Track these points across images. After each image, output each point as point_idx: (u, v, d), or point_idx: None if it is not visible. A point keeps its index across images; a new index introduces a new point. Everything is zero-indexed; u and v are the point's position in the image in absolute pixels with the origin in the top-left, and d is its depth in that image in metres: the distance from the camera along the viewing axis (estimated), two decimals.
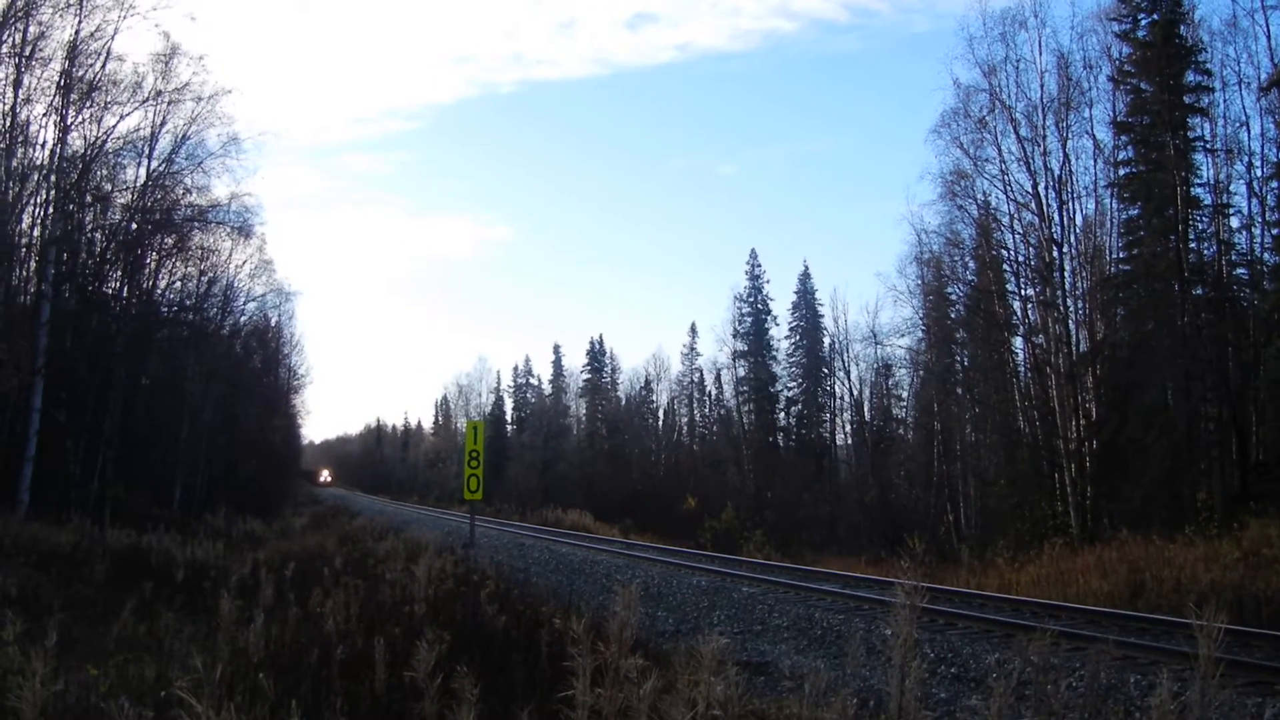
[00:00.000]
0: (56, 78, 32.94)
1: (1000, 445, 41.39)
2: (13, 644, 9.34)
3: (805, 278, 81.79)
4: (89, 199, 37.37)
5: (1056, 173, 35.30)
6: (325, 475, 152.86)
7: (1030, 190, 35.68)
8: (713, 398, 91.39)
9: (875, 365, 66.23)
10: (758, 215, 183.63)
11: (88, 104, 34.73)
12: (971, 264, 42.75)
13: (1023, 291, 38.67)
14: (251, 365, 65.03)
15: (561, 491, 79.54)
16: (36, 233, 34.28)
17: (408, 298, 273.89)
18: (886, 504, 52.43)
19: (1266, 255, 35.41)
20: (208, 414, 47.08)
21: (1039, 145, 35.50)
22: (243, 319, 59.01)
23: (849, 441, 74.63)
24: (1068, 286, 35.72)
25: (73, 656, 10.92)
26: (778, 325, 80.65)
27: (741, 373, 79.77)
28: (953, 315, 47.17)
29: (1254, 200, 34.82)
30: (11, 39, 30.99)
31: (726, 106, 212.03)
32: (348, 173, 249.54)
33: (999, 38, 36.29)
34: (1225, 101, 35.25)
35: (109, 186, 38.57)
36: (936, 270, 45.32)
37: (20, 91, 31.83)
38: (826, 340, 76.21)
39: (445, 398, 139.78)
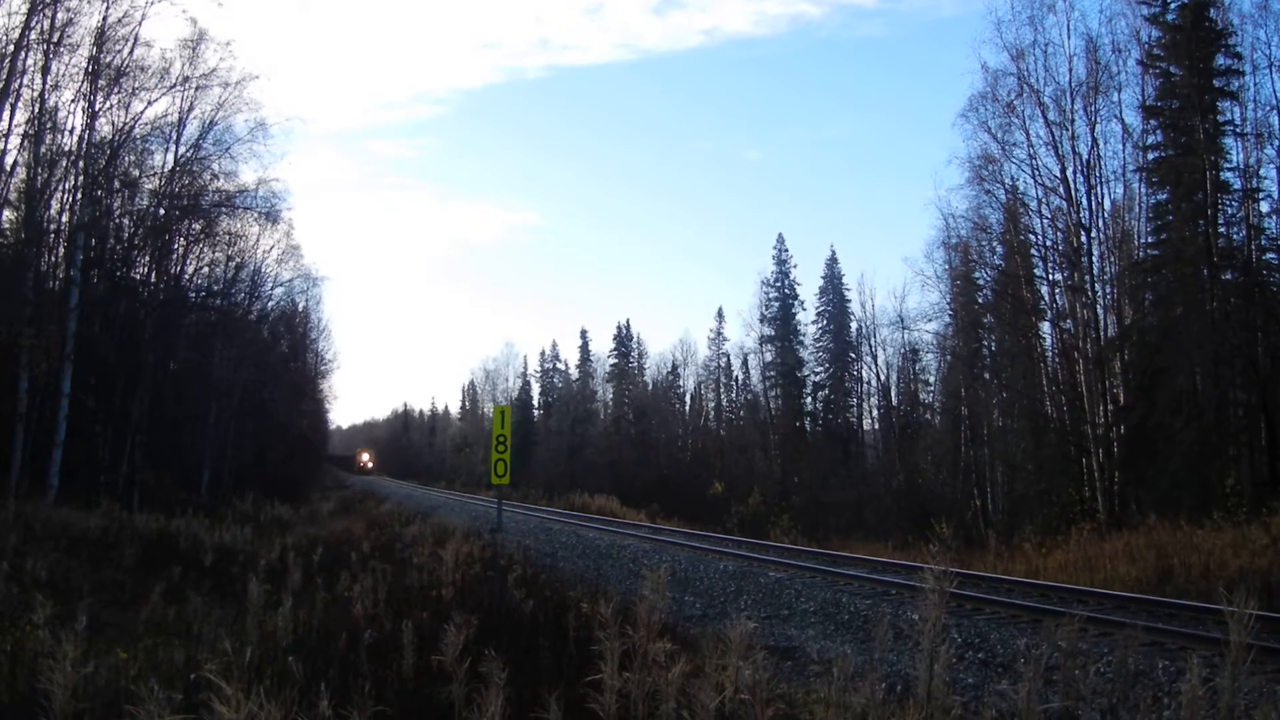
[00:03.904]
0: (84, 64, 33.14)
1: (1027, 430, 41.23)
2: (43, 627, 9.42)
3: (832, 262, 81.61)
4: (117, 185, 37.52)
5: (1085, 157, 35.12)
6: (365, 458, 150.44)
7: (1058, 175, 35.54)
8: (739, 382, 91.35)
9: (902, 350, 66.07)
10: (784, 200, 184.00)
11: (115, 90, 34.88)
12: (999, 249, 42.55)
13: (1050, 276, 38.56)
14: (279, 350, 65.23)
15: (588, 476, 79.40)
16: (65, 219, 34.48)
17: (435, 282, 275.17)
18: (913, 489, 52.31)
19: None
20: (235, 399, 47.28)
21: (1067, 130, 35.33)
22: (270, 304, 59.28)
23: (876, 426, 74.52)
24: (1096, 271, 35.55)
25: (102, 640, 11.00)
26: (805, 310, 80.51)
27: (768, 357, 79.60)
28: (980, 300, 47.03)
29: None
30: (40, 25, 31.12)
31: (753, 91, 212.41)
32: (375, 158, 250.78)
33: (1027, 21, 36.14)
34: (1255, 85, 34.93)
35: (137, 172, 38.76)
36: (964, 255, 45.17)
37: (49, 78, 32.03)
38: (854, 325, 76.08)
39: (472, 383, 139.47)
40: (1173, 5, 36.03)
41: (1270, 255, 36.46)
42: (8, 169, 31.37)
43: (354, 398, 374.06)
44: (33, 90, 31.61)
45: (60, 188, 34.06)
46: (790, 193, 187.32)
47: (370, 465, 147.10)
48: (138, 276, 41.87)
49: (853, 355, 77.75)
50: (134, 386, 36.33)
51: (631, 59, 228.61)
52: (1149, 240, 38.34)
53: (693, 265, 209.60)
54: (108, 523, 24.52)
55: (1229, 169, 35.49)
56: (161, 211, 39.90)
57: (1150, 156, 37.29)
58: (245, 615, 11.74)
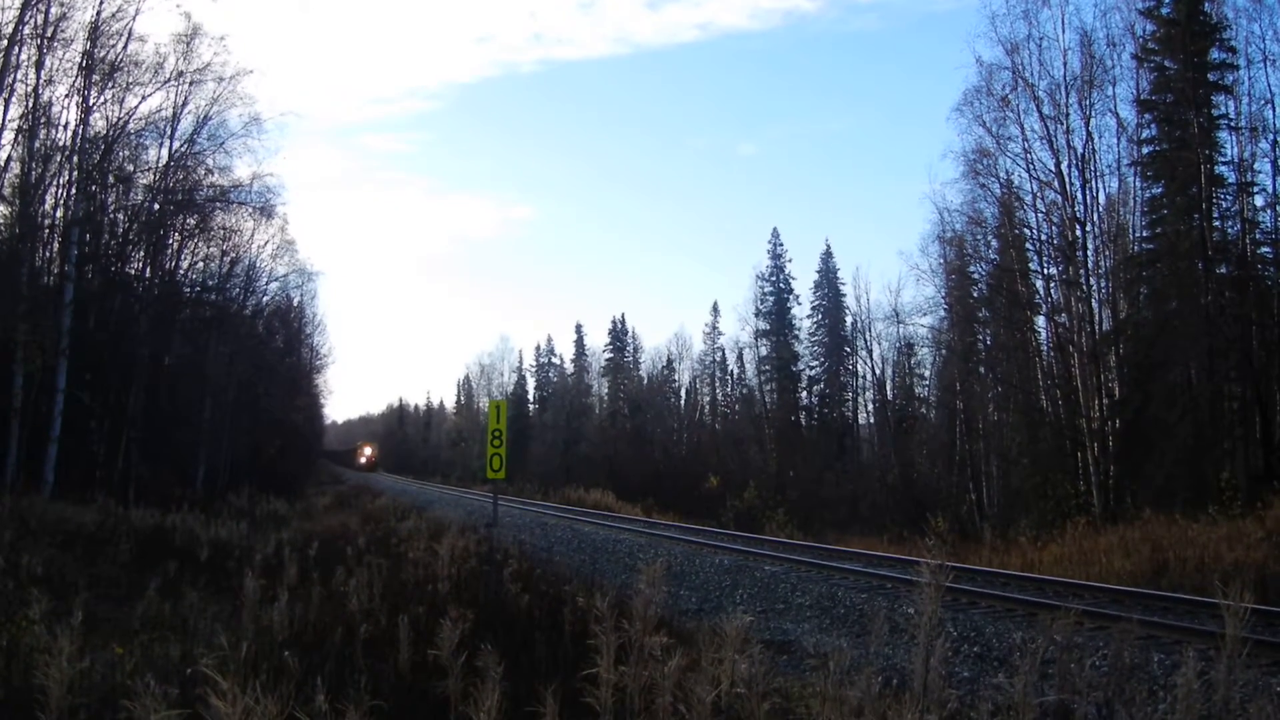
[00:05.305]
0: (78, 59, 33.08)
1: (1023, 424, 41.22)
2: (39, 622, 9.42)
3: (827, 256, 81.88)
4: (111, 180, 37.50)
5: (1079, 151, 35.09)
6: (368, 453, 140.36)
7: (1053, 169, 35.53)
8: (735, 377, 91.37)
9: (897, 344, 66.22)
10: (779, 194, 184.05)
11: (109, 85, 34.88)
12: (994, 243, 42.61)
13: (1045, 270, 38.56)
14: (274, 345, 65.13)
15: (584, 471, 79.43)
16: (59, 214, 34.45)
17: (430, 277, 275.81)
18: (909, 483, 52.37)
19: None
20: (230, 394, 47.18)
21: (1062, 123, 35.32)
22: (265, 299, 59.15)
23: (871, 420, 74.67)
24: (1090, 265, 35.53)
25: (98, 635, 10.98)
26: (800, 304, 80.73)
27: (763, 352, 79.72)
28: (975, 294, 47.08)
29: (1278, 178, 34.68)
30: (34, 20, 31.10)
31: (747, 85, 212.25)
32: (370, 153, 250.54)
33: (1022, 15, 36.09)
34: (1250, 79, 35.07)
35: (131, 167, 38.78)
36: (959, 249, 45.21)
37: (43, 73, 31.96)
38: (849, 319, 76.39)
39: (467, 377, 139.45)
40: None
41: (1265, 249, 36.64)
42: (1, 164, 31.34)
43: (350, 393, 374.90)
44: (27, 85, 31.60)
45: (55, 183, 34.05)
46: (785, 187, 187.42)
47: (373, 460, 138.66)
48: (132, 272, 41.93)
49: (848, 349, 77.99)
50: (129, 382, 36.31)
51: (625, 53, 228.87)
52: (1144, 234, 38.45)
53: (688, 260, 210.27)
54: (103, 518, 24.49)
55: (1223, 163, 35.74)
56: (156, 206, 39.90)
57: (1145, 150, 37.39)
58: (241, 610, 11.71)
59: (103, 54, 33.99)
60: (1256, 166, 35.40)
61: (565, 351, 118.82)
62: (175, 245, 44.64)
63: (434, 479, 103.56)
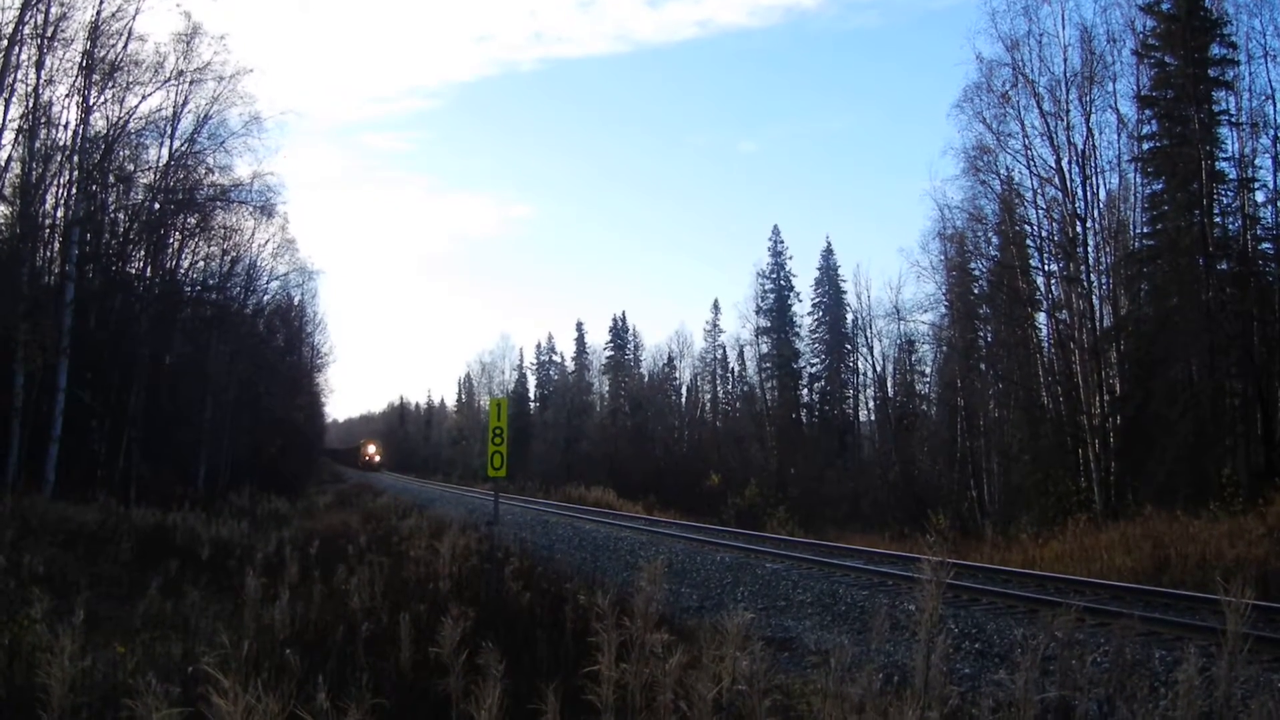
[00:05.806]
0: (79, 58, 33.09)
1: (1024, 421, 41.21)
2: (41, 621, 9.43)
3: (828, 254, 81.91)
4: (112, 179, 37.51)
5: (1080, 147, 35.09)
6: (372, 451, 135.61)
7: (1053, 165, 35.52)
8: (736, 374, 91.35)
9: (898, 341, 66.07)
10: (779, 192, 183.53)
11: (110, 84, 34.88)
12: (995, 239, 42.60)
13: (1046, 267, 38.58)
14: (274, 344, 65.07)
15: (585, 468, 79.44)
16: (60, 213, 34.46)
17: (431, 276, 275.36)
18: (910, 480, 52.31)
19: None
20: (231, 393, 47.16)
21: (1062, 120, 35.33)
22: (265, 298, 59.11)
23: (872, 418, 74.68)
24: (1091, 262, 35.56)
25: (100, 634, 10.98)
26: (800, 301, 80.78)
27: (764, 349, 79.72)
28: (976, 291, 47.05)
29: (1279, 174, 34.66)
30: (34, 20, 31.10)
31: (747, 83, 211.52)
32: (369, 151, 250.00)
33: (1021, 12, 36.12)
34: (1250, 75, 35.01)
35: (131, 167, 38.80)
36: (959, 246, 45.16)
37: (43, 73, 31.96)
38: (849, 316, 76.30)
39: (468, 375, 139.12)
40: None
41: (1266, 245, 36.60)
42: (2, 164, 31.34)
43: (351, 391, 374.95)
44: (27, 85, 31.60)
45: (55, 182, 34.07)
46: (785, 185, 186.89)
47: (378, 459, 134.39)
48: (133, 271, 41.95)
49: (849, 347, 77.99)
50: (130, 381, 36.33)
51: (625, 51, 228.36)
52: (1144, 230, 38.45)
53: (688, 258, 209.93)
54: (104, 517, 24.51)
55: (1224, 159, 35.70)
56: (156, 206, 39.92)
57: (1145, 146, 37.40)
58: (242, 609, 11.72)
59: (103, 54, 34.05)
60: (1257, 162, 35.46)
61: (566, 350, 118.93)
62: (176, 244, 44.73)
63: (435, 477, 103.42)
